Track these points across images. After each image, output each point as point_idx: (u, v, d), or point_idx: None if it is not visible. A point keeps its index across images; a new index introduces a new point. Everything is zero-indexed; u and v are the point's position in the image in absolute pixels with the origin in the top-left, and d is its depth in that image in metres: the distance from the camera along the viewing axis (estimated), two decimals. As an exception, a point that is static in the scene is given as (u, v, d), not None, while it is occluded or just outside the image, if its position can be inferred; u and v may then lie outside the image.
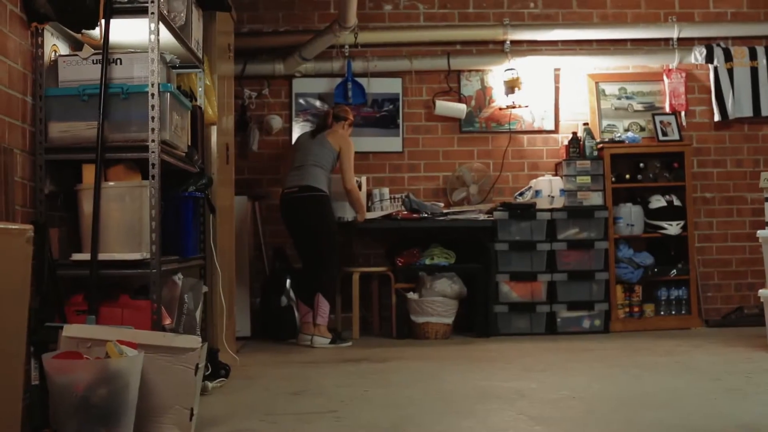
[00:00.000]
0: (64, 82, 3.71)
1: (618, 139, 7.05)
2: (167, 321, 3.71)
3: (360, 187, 6.71)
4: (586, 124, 7.12)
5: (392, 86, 7.26)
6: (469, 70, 7.30)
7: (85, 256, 3.58)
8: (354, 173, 6.38)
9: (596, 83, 7.33)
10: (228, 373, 4.58)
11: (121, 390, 2.97)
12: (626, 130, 7.23)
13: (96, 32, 3.69)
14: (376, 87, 7.19)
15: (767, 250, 5.34)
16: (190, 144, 4.33)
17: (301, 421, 3.64)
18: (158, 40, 3.69)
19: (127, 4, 3.70)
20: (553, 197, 6.79)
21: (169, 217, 4.02)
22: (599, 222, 6.73)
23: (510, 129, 7.28)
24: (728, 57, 7.20)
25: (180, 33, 4.12)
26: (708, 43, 7.26)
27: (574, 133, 7.02)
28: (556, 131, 7.32)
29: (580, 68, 7.34)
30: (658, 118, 7.18)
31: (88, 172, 3.67)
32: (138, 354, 3.10)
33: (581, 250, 6.70)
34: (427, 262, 6.61)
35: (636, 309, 6.80)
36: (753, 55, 7.21)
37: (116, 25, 3.71)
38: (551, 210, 6.71)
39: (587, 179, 6.85)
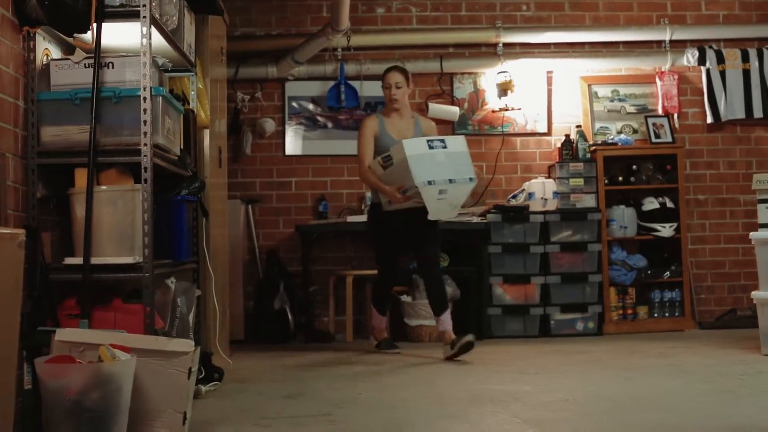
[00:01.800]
0: (56, 86, 3.70)
1: (611, 141, 7.06)
2: (160, 325, 3.70)
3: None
4: (578, 126, 7.13)
5: (385, 89, 7.26)
6: (462, 73, 7.30)
7: (78, 260, 3.57)
8: (362, 156, 5.71)
9: (589, 85, 7.34)
10: (221, 376, 4.57)
11: (113, 394, 2.97)
12: (619, 132, 7.25)
13: (88, 36, 3.68)
14: (369, 90, 7.18)
15: (760, 252, 5.34)
16: (182, 147, 4.33)
17: (295, 425, 3.63)
18: (150, 44, 3.69)
19: (119, 8, 3.69)
20: (546, 200, 6.80)
21: (162, 220, 4.01)
22: (592, 224, 6.74)
23: (503, 131, 7.29)
24: (720, 59, 7.22)
25: (172, 37, 4.11)
26: (700, 45, 7.28)
27: (567, 136, 7.03)
28: (548, 133, 7.33)
29: (572, 70, 7.35)
30: (650, 120, 7.19)
31: (81, 176, 3.66)
32: (131, 358, 3.09)
33: (574, 253, 6.71)
34: (421, 264, 6.60)
35: (629, 311, 6.82)
36: (745, 58, 7.23)
37: (108, 28, 3.70)
38: (544, 212, 6.72)
39: (580, 181, 6.86)
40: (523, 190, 6.98)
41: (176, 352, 3.23)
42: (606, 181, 6.88)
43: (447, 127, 7.28)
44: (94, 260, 3.56)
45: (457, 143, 5.48)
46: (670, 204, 6.88)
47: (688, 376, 4.66)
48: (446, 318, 5.59)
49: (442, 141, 5.39)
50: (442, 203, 5.30)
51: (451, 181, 5.24)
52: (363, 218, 6.71)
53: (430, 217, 5.36)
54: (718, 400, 3.98)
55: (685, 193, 7.02)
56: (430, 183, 5.18)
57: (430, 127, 5.90)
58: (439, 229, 5.73)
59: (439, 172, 5.23)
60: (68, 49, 3.92)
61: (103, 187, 3.67)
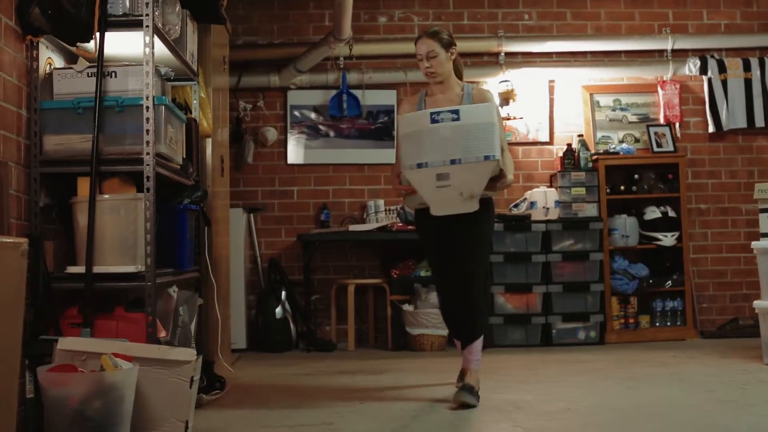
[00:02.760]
0: (59, 95, 3.72)
1: (613, 150, 7.06)
2: (162, 334, 3.70)
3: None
4: (580, 135, 7.14)
5: (387, 98, 7.27)
6: (464, 82, 7.29)
7: (80, 269, 3.58)
8: (397, 155, 4.39)
9: (591, 95, 7.35)
10: (223, 385, 4.57)
11: (115, 403, 2.97)
12: (621, 142, 7.25)
13: (91, 45, 3.70)
14: (371, 99, 7.20)
15: (762, 261, 5.34)
16: (185, 156, 4.34)
17: (296, 434, 3.64)
18: (153, 53, 3.70)
19: (122, 18, 3.71)
20: (548, 209, 6.80)
21: (164, 229, 4.02)
22: (594, 233, 6.73)
23: (505, 140, 7.28)
24: (722, 68, 7.23)
25: (175, 46, 4.13)
26: (702, 54, 7.29)
27: (569, 145, 7.04)
28: (550, 143, 7.33)
29: (574, 80, 7.36)
30: (652, 130, 7.20)
31: (83, 185, 3.67)
32: (133, 367, 3.10)
33: (576, 262, 6.70)
34: (422, 273, 6.61)
35: (631, 320, 6.81)
36: (747, 67, 7.24)
37: (111, 38, 3.72)
38: (546, 221, 6.72)
39: (582, 191, 6.86)
40: (525, 199, 6.98)
41: (178, 361, 3.23)
42: (608, 191, 6.88)
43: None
44: (97, 269, 3.57)
45: (477, 112, 4.18)
46: (671, 213, 6.88)
47: (690, 385, 4.65)
48: (469, 349, 4.46)
49: (455, 112, 4.12)
50: (446, 192, 4.11)
51: (453, 161, 4.04)
52: (365, 227, 6.73)
53: (433, 212, 4.22)
54: (719, 409, 3.97)
55: (687, 203, 7.01)
56: (420, 165, 4.07)
57: (482, 97, 4.52)
58: (484, 232, 4.43)
59: (438, 151, 4.06)
60: (71, 59, 3.93)
61: (106, 196, 3.68)
